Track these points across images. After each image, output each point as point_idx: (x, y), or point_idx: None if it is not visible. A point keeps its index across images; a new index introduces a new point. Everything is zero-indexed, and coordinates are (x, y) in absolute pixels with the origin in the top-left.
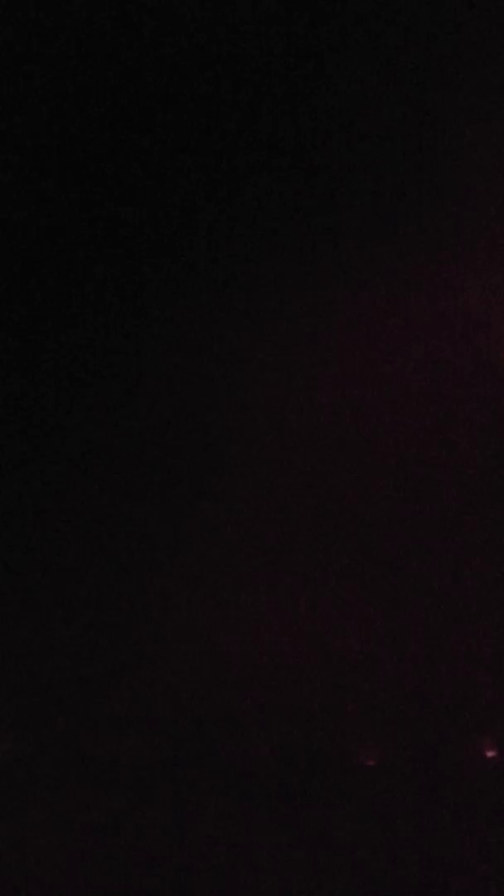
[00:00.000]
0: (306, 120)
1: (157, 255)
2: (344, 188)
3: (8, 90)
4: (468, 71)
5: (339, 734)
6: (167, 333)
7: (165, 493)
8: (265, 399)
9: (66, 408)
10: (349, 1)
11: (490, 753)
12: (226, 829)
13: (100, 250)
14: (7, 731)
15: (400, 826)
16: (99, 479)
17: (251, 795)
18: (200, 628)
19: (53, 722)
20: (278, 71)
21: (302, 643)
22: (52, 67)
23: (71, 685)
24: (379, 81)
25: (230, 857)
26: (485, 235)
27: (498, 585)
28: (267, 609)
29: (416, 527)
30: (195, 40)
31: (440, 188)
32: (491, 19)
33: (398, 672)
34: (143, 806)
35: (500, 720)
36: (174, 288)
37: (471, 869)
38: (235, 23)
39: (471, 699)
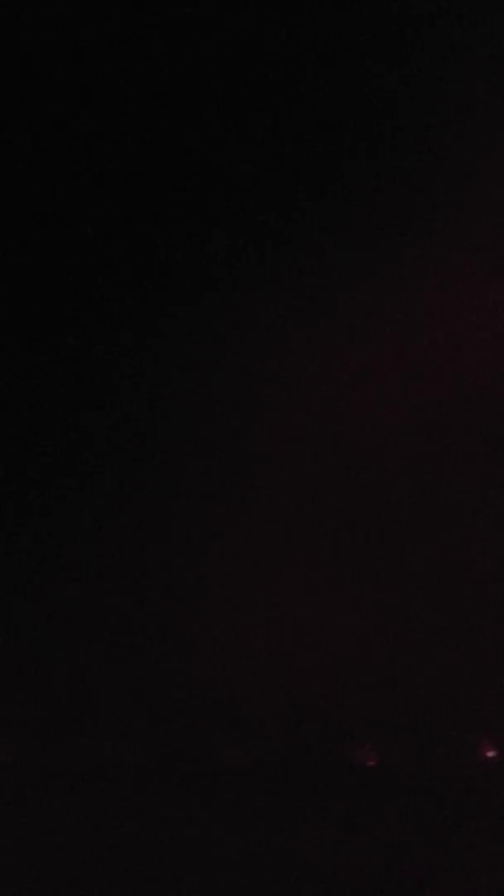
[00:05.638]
0: (314, 133)
1: (162, 262)
2: (348, 198)
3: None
4: (471, 90)
5: (339, 734)
6: (172, 338)
7: (164, 497)
8: (265, 401)
9: (70, 407)
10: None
11: (490, 753)
12: (226, 829)
13: (106, 258)
14: (7, 731)
15: (399, 826)
16: (100, 480)
17: (251, 795)
18: (200, 629)
19: (53, 722)
20: (282, 83)
21: (302, 644)
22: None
23: (71, 685)
24: (385, 94)
25: (230, 857)
26: (482, 244)
27: (497, 587)
28: (267, 610)
29: (416, 529)
30: (203, 59)
31: (441, 197)
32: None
33: (398, 672)
34: (142, 806)
35: (500, 720)
36: (178, 294)
37: (471, 869)
38: (240, 37)
39: (471, 699)
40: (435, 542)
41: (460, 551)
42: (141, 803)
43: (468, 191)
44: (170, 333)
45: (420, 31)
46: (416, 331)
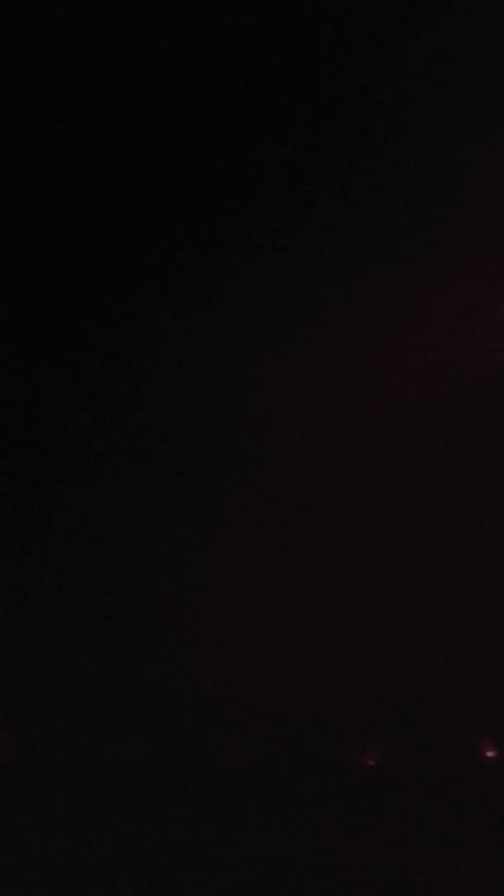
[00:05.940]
0: (314, 133)
1: (162, 262)
2: (348, 198)
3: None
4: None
5: (340, 734)
6: (171, 338)
7: (164, 496)
8: (265, 401)
9: (70, 407)
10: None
11: (490, 753)
12: (226, 829)
13: (106, 258)
14: (7, 730)
15: (399, 826)
16: (100, 480)
17: (251, 795)
18: (200, 630)
19: (53, 722)
20: (282, 83)
21: (302, 644)
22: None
23: (71, 685)
24: (385, 94)
25: (230, 857)
26: (481, 242)
27: (497, 586)
28: (267, 610)
29: (416, 528)
30: (203, 59)
31: (441, 197)
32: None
33: (398, 672)
34: (142, 806)
35: (500, 720)
36: (178, 294)
37: (471, 869)
38: (240, 36)
39: (471, 699)
40: (435, 542)
41: (460, 551)
42: (141, 803)
43: (468, 191)
44: (170, 333)
45: (420, 31)
46: (416, 330)
